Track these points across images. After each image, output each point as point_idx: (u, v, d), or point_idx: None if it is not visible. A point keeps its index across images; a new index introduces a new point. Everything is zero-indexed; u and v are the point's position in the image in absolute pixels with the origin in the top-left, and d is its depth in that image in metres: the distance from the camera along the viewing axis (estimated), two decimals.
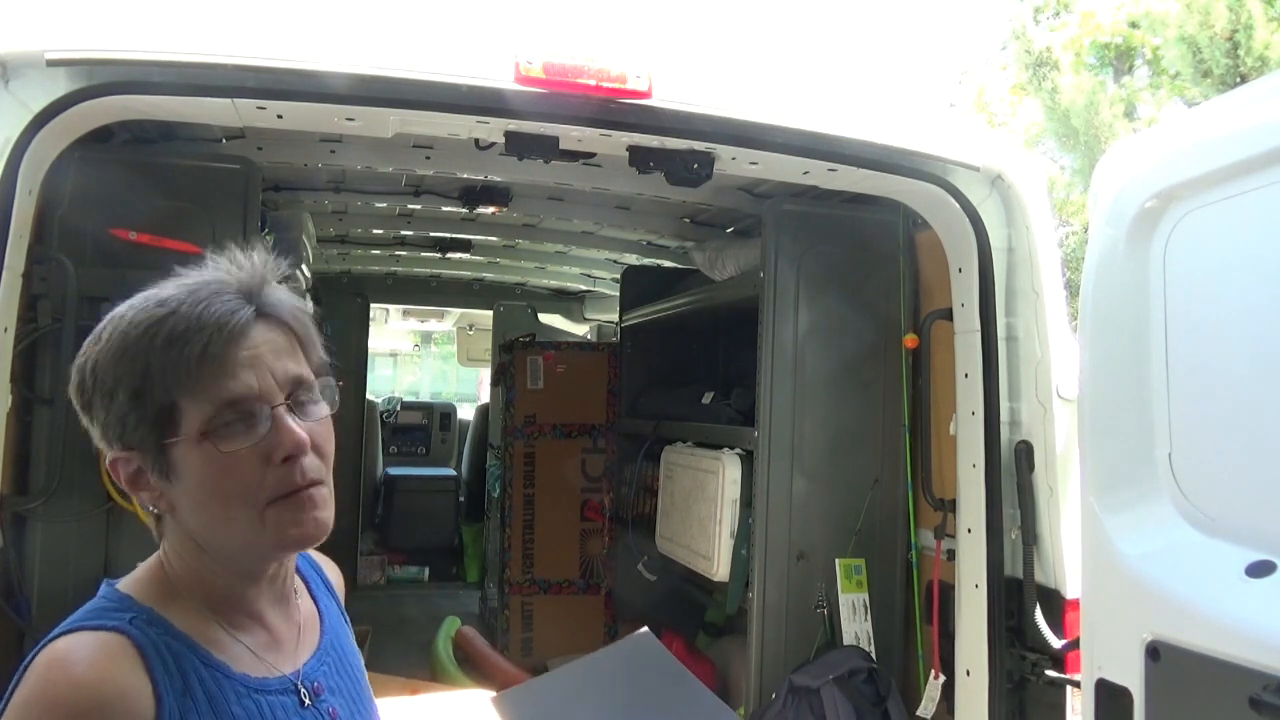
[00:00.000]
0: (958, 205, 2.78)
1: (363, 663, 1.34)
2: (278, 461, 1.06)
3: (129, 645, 1.02)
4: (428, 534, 7.15)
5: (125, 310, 1.08)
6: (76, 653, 1.01)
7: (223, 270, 1.12)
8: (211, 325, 1.04)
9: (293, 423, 1.07)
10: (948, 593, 2.96)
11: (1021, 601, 2.70)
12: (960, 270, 2.89)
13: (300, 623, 1.23)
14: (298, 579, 1.28)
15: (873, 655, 3.21)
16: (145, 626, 1.05)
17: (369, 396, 7.03)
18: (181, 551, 1.12)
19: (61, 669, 1.00)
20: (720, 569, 3.50)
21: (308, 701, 1.16)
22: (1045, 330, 2.70)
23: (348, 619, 1.36)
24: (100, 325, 1.10)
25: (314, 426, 1.10)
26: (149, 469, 1.07)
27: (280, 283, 1.15)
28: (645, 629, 2.30)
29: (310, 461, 1.09)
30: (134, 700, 1.00)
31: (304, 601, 1.27)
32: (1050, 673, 2.63)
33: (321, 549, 1.22)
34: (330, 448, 1.13)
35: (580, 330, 6.93)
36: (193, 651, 1.06)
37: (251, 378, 1.06)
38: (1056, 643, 2.62)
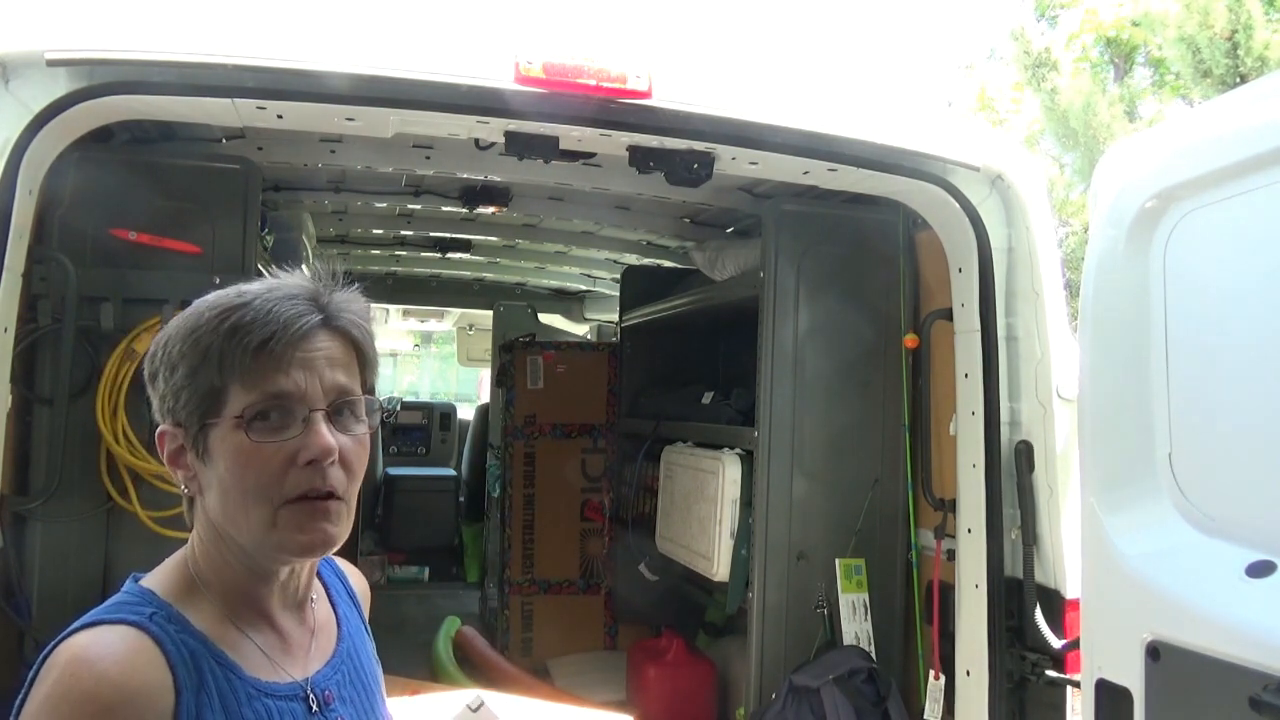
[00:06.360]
0: (958, 205, 2.78)
1: (380, 675, 1.33)
2: (302, 464, 1.08)
3: (150, 641, 1.04)
4: (428, 534, 7.14)
5: (211, 296, 1.14)
6: (100, 648, 1.02)
7: (301, 277, 1.17)
8: (277, 323, 1.09)
9: (325, 429, 1.10)
10: (948, 593, 2.96)
11: (1021, 601, 2.70)
12: (960, 270, 2.89)
13: (314, 629, 1.23)
14: (318, 585, 1.27)
15: (873, 655, 3.21)
16: (165, 623, 1.07)
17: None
18: (205, 538, 1.14)
19: (86, 665, 1.01)
20: (720, 569, 3.50)
21: (316, 709, 1.16)
22: (1045, 330, 2.70)
23: (369, 630, 1.35)
24: (190, 307, 1.15)
25: (347, 441, 1.12)
26: (189, 447, 1.12)
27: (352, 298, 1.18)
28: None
29: (335, 472, 1.10)
30: (158, 696, 1.02)
31: (321, 608, 1.26)
32: (1050, 673, 2.63)
33: None
34: (359, 467, 1.14)
35: (580, 330, 6.92)
36: (207, 649, 1.08)
37: (301, 378, 1.09)
38: (1056, 643, 2.62)
